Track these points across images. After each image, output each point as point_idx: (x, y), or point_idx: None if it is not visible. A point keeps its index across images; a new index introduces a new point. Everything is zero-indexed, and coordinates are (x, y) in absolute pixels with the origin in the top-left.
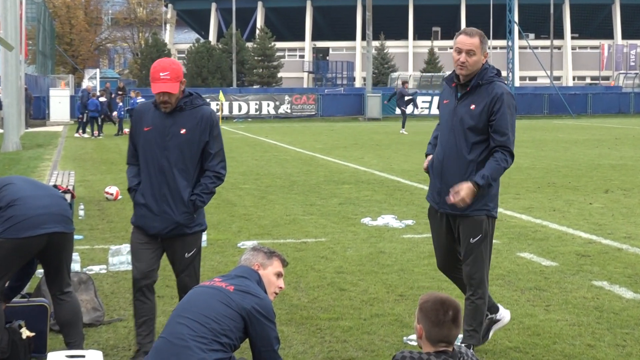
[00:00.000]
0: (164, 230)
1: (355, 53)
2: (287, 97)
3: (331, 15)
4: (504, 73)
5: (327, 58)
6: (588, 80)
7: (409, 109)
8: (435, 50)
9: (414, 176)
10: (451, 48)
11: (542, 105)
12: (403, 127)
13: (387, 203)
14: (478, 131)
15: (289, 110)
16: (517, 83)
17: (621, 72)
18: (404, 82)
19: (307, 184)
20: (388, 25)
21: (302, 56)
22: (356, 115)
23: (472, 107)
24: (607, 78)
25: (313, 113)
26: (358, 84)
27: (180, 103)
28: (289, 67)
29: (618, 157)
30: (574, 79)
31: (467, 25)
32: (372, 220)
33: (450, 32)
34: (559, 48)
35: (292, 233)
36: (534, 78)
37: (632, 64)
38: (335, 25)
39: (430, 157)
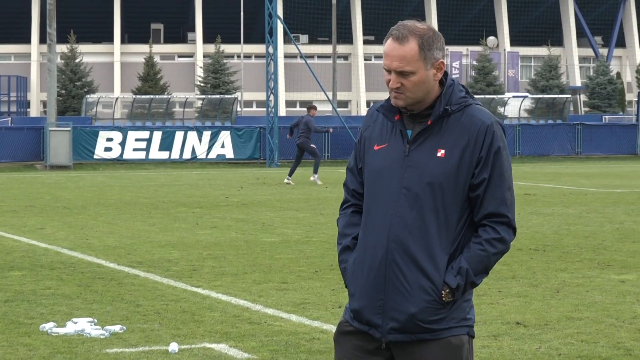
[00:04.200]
0: None
1: (30, 63)
2: None
3: None
4: (260, 95)
5: None
6: None
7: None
8: (157, 59)
9: (124, 256)
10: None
11: (322, 145)
12: (315, 172)
13: (82, 299)
14: (452, 194)
15: None
16: (282, 110)
17: None
18: (311, 107)
19: None
20: (82, 20)
21: None
22: (32, 160)
23: (440, 153)
24: None
25: None
26: (35, 111)
27: None
28: None
29: None
30: (368, 104)
31: (204, 23)
32: (58, 327)
33: (177, 30)
34: (346, 58)
35: None
36: (308, 103)
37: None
38: None
39: (350, 256)
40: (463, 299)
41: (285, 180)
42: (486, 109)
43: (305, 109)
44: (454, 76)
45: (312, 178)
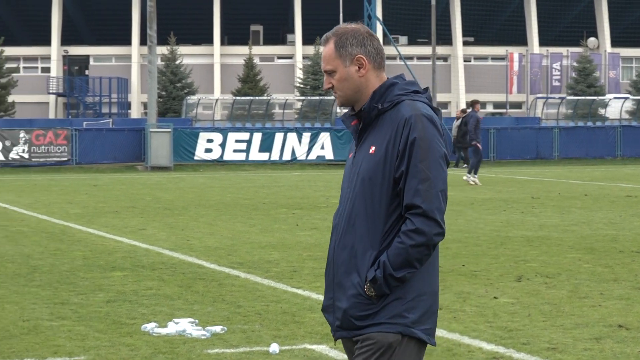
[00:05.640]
0: None
1: (131, 64)
2: (22, 134)
3: (91, 6)
4: None
5: (87, 72)
6: (490, 109)
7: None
8: (256, 60)
9: (224, 257)
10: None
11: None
12: (475, 172)
13: (183, 300)
14: (380, 189)
15: (26, 155)
16: None
17: (539, 96)
18: (475, 102)
19: (56, 270)
20: (182, 22)
21: (46, 69)
22: (133, 162)
23: (372, 149)
24: (518, 105)
25: (65, 159)
26: (135, 113)
27: None
28: (26, 85)
29: (536, 225)
30: (467, 105)
31: (303, 24)
32: (160, 328)
33: (277, 32)
34: (446, 59)
35: (32, 348)
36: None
37: (556, 83)
38: (98, 21)
39: None
40: (395, 296)
41: (471, 181)
42: (421, 103)
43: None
44: (554, 78)
45: (471, 181)
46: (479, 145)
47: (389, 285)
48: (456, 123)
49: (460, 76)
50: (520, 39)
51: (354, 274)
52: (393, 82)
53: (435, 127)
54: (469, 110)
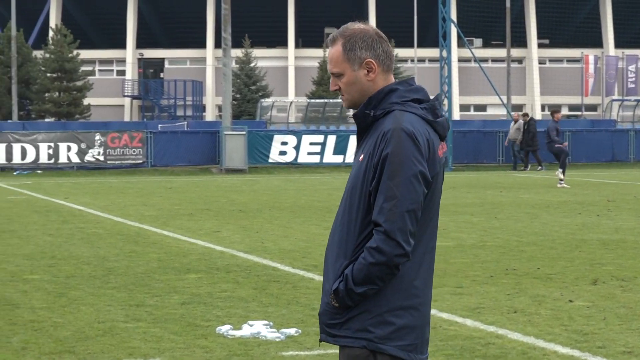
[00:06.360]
0: None
1: (206, 67)
2: (98, 137)
3: (166, 9)
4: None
5: (162, 75)
6: (565, 112)
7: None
8: None
9: (299, 259)
10: None
11: (495, 150)
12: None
13: (258, 302)
14: (358, 199)
15: (101, 157)
16: (456, 114)
17: (615, 98)
18: (555, 112)
19: (132, 272)
20: (256, 25)
21: (121, 72)
22: (208, 164)
23: (361, 157)
24: (593, 107)
25: (140, 161)
26: (210, 115)
27: None
28: (102, 88)
29: (612, 228)
30: (542, 108)
31: (377, 27)
32: (234, 330)
33: None
34: (521, 61)
35: (108, 350)
36: (482, 107)
37: (631, 85)
38: (173, 24)
39: None
40: (362, 309)
41: (559, 185)
42: (410, 115)
43: (482, 113)
44: (629, 80)
45: (559, 181)
46: (563, 145)
47: (351, 298)
48: (514, 125)
49: (535, 79)
50: (596, 41)
51: (327, 281)
52: (393, 88)
53: (415, 144)
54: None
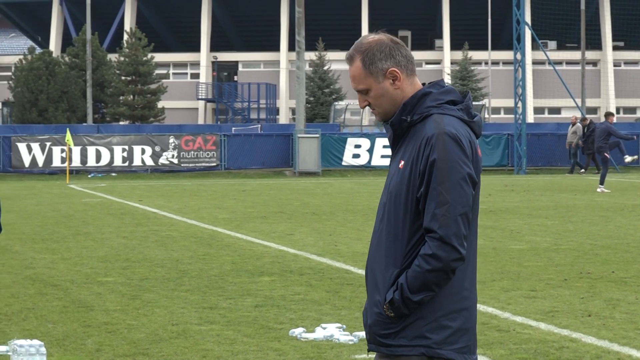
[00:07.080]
0: None
1: (279, 70)
2: (172, 140)
3: (240, 12)
4: (508, 101)
5: (236, 78)
6: (639, 114)
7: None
8: None
9: None
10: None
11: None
12: (602, 182)
13: (331, 305)
14: (404, 207)
15: (175, 160)
16: (530, 117)
17: None
18: (609, 115)
19: (205, 275)
20: (330, 28)
21: (195, 75)
22: (281, 167)
23: (401, 164)
24: None
25: (214, 164)
26: (284, 118)
27: None
28: (176, 91)
29: None
30: (618, 110)
31: (451, 29)
32: (307, 333)
33: (425, 37)
34: (595, 64)
35: (182, 352)
36: (556, 110)
37: None
38: (247, 27)
39: None
40: (418, 316)
41: (599, 190)
42: (450, 118)
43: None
44: None
45: (598, 189)
46: (607, 155)
47: (408, 307)
48: (571, 129)
49: (609, 81)
50: None
51: (376, 291)
52: (426, 91)
53: (460, 146)
54: (600, 121)
